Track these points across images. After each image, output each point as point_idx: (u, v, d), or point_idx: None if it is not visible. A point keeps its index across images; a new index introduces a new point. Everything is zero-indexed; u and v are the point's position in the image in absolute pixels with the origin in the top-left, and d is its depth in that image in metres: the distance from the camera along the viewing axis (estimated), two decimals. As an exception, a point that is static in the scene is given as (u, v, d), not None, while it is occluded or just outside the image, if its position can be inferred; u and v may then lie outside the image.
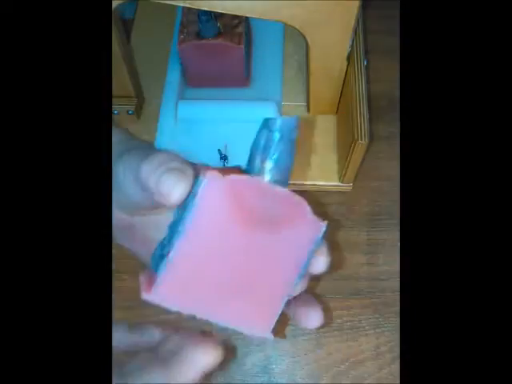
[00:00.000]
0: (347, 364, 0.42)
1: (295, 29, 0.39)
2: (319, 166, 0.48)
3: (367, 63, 0.48)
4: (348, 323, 0.43)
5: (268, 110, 0.48)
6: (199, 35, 0.46)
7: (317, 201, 0.47)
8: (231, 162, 0.48)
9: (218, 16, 0.46)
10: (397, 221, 0.47)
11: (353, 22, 0.38)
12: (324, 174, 0.47)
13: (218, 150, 0.47)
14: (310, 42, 0.41)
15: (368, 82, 0.44)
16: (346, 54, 0.42)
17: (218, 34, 0.46)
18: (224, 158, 0.47)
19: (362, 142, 0.39)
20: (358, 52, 0.44)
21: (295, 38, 0.56)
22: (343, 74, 0.45)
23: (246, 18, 0.48)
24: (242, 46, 0.46)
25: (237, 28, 0.46)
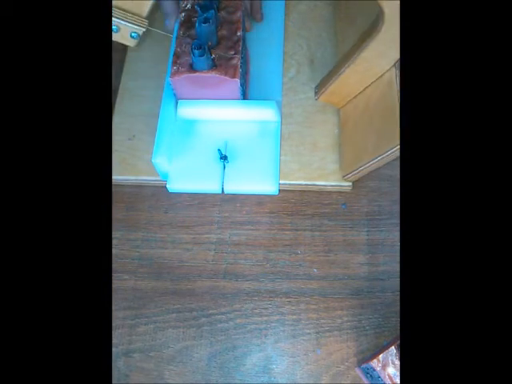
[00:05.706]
0: (347, 364, 0.42)
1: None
2: (319, 165, 0.48)
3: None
4: (348, 323, 0.43)
5: (268, 110, 0.48)
6: (193, 67, 0.44)
7: (317, 201, 0.47)
8: (231, 162, 0.48)
9: (212, 47, 0.44)
10: (397, 221, 0.47)
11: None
12: (324, 174, 0.47)
13: (218, 149, 0.47)
14: None
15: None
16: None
17: (213, 67, 0.44)
18: (224, 157, 0.47)
19: None
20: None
21: (295, 38, 0.56)
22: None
23: (243, 41, 0.46)
24: (238, 79, 0.44)
25: (232, 60, 0.44)
